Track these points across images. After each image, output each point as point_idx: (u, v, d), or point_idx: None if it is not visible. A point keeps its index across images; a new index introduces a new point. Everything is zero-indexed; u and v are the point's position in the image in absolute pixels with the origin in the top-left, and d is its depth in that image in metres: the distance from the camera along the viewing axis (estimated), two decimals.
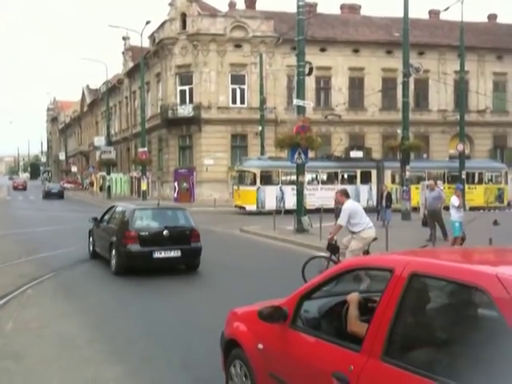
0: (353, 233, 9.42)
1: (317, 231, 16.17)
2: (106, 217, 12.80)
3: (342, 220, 9.37)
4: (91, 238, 13.55)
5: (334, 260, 9.59)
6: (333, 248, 9.69)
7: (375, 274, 3.23)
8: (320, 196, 26.80)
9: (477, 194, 30.55)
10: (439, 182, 27.34)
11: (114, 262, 11.22)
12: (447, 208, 14.63)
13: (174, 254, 11.05)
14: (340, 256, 9.72)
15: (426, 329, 3.02)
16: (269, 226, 19.01)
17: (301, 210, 18.54)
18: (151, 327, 7.17)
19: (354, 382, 2.96)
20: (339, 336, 3.37)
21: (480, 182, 31.92)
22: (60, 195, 47.45)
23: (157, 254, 10.92)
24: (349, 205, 9.49)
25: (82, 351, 6.24)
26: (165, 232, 11.06)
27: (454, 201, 13.73)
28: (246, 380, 4.09)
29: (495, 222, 18.85)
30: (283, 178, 29.16)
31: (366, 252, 9.41)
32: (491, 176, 33.04)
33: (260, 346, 3.93)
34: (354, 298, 3.57)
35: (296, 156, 18.09)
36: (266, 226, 19.54)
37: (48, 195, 46.80)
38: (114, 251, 11.23)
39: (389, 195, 21.00)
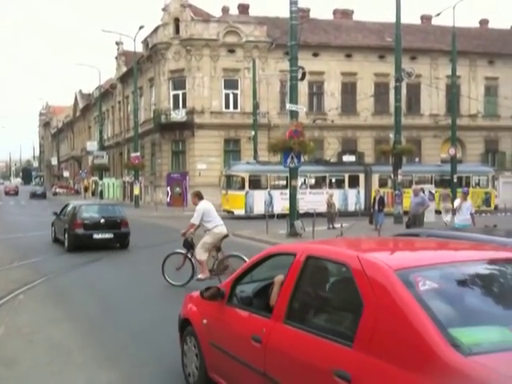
0: (207, 230, 10.15)
1: (309, 235, 16.18)
2: (63, 211, 17.02)
3: (195, 219, 10.07)
4: (53, 228, 17.78)
5: (189, 257, 10.22)
6: (188, 245, 10.25)
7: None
8: (309, 200, 26.82)
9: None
10: (430, 186, 27.50)
11: (66, 242, 15.58)
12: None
13: (108, 235, 15.51)
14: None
15: (315, 297, 3.91)
16: (261, 231, 19.01)
17: (294, 214, 18.55)
18: (143, 332, 7.15)
19: (265, 340, 3.80)
20: (264, 309, 4.10)
21: (467, 185, 32.04)
22: (43, 196, 58.51)
23: (96, 236, 15.35)
24: (202, 205, 10.16)
25: (73, 356, 6.21)
26: (102, 220, 15.59)
27: (455, 203, 13.52)
28: (195, 350, 4.95)
29: (494, 226, 18.90)
30: (272, 182, 29.17)
31: (218, 249, 10.19)
32: (478, 180, 33.21)
33: (204, 321, 4.79)
34: (279, 279, 4.16)
35: (289, 160, 18.12)
36: (259, 230, 19.54)
37: (34, 196, 57.47)
38: (66, 235, 15.61)
39: (381, 199, 21.07)
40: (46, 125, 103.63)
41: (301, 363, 3.41)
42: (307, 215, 20.44)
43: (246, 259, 9.38)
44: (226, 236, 10.28)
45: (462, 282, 3.26)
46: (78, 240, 15.26)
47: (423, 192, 24.73)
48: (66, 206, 17.19)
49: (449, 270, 3.35)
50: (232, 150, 37.90)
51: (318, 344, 3.34)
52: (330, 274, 3.90)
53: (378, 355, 2.90)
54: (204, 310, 4.87)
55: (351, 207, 29.94)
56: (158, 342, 6.64)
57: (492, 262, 3.56)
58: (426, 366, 2.66)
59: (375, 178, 30.50)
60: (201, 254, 10.08)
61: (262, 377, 3.78)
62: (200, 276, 10.06)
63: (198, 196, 10.53)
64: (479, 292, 3.25)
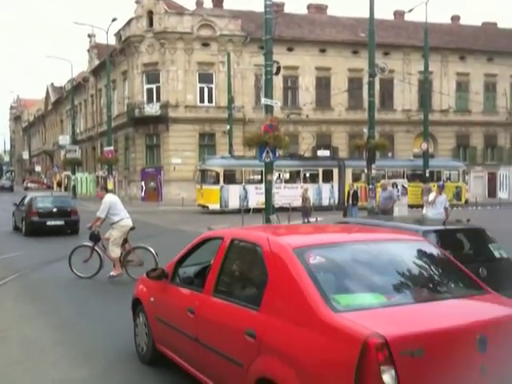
0: (112, 223, 10.28)
1: None
2: (22, 202, 19.33)
3: (101, 212, 10.27)
4: (13, 217, 20.09)
5: (97, 250, 10.48)
6: (95, 237, 10.53)
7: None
8: (283, 195, 26.94)
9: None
10: (403, 181, 27.80)
11: (23, 228, 18.16)
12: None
13: (60, 222, 18.10)
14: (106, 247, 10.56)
15: (236, 272, 4.72)
16: (237, 225, 19.00)
17: (269, 208, 18.59)
18: (115, 328, 7.10)
19: (197, 311, 4.56)
20: (202, 287, 4.71)
21: (439, 180, 32.53)
22: (11, 189, 61.13)
23: (49, 223, 17.88)
24: (108, 198, 10.43)
25: (47, 353, 6.17)
26: (54, 209, 18.18)
27: (429, 197, 13.39)
28: (145, 326, 5.69)
29: (468, 221, 19.27)
30: (247, 176, 29.19)
31: (125, 241, 10.42)
32: (449, 174, 33.78)
33: (152, 299, 5.54)
34: None
35: (264, 155, 18.13)
36: (234, 224, 19.52)
37: (2, 189, 59.98)
38: (23, 222, 18.18)
39: (355, 193, 21.26)
40: (16, 118, 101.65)
41: (222, 326, 4.24)
42: (282, 209, 20.53)
43: (152, 250, 10.13)
44: (132, 228, 10.46)
45: (349, 258, 4.07)
46: (34, 226, 17.85)
47: (396, 187, 25.10)
48: (24, 197, 19.75)
49: (339, 248, 4.18)
50: (207, 145, 37.79)
51: (235, 310, 4.13)
52: (247, 253, 4.64)
53: (277, 315, 3.69)
54: (151, 289, 5.61)
55: (325, 201, 30.18)
56: (132, 337, 6.61)
57: (379, 241, 4.54)
58: (309, 321, 3.44)
59: (349, 173, 30.80)
60: (114, 251, 10.22)
61: (195, 342, 4.58)
62: (112, 273, 10.22)
63: (105, 189, 11.19)
64: (363, 266, 4.00)
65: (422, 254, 4.33)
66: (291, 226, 6.55)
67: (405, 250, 4.35)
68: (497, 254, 6.94)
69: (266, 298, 3.83)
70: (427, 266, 4.23)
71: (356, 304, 3.50)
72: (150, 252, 10.14)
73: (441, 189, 12.98)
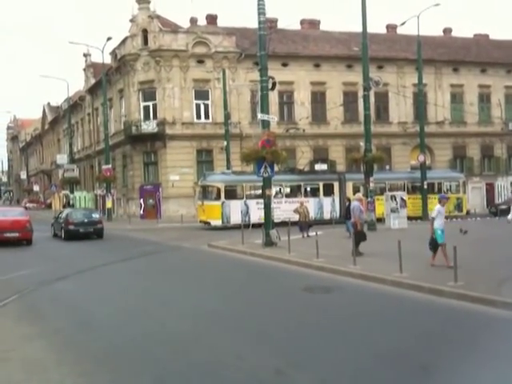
0: None
1: (285, 244, 16.23)
2: None
3: None
4: None
5: None
6: None
7: None
8: (285, 209, 26.97)
9: (436, 204, 31.15)
10: (402, 193, 27.82)
11: None
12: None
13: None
14: None
15: None
16: (237, 241, 18.99)
17: (269, 223, 18.60)
18: (119, 347, 7.08)
19: None
20: None
21: (439, 191, 32.58)
22: None
23: None
24: None
25: (50, 374, 6.13)
26: None
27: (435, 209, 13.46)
28: None
29: (462, 231, 19.33)
30: (248, 192, 29.22)
31: None
32: (450, 185, 33.82)
33: None
34: None
35: (262, 170, 18.20)
36: (234, 240, 19.53)
37: None
38: None
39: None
40: (13, 138, 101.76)
41: None
42: (284, 224, 20.55)
43: None
44: None
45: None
46: None
47: (395, 199, 25.08)
48: None
49: None
50: (205, 161, 37.83)
51: None
52: None
53: None
54: None
55: (327, 215, 30.09)
56: (135, 357, 6.58)
57: (10, 210, 27.96)
58: None
59: (349, 186, 30.73)
60: None
61: None
62: None
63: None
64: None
65: (18, 211, 24.19)
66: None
67: (14, 211, 24.29)
68: (95, 217, 24.22)
69: None
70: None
71: None
72: None
73: (445, 200, 13.23)
